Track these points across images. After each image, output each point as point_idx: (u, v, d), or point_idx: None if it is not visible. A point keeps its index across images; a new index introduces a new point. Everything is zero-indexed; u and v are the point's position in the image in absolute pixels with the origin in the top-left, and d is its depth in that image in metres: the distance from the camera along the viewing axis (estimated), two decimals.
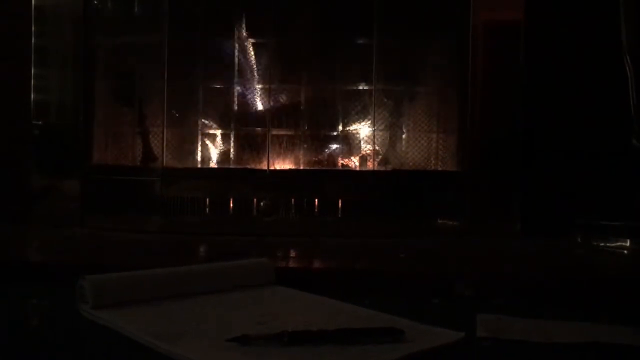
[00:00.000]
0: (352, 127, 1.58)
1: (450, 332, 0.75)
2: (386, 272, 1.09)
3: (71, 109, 1.57)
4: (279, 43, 1.55)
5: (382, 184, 1.52)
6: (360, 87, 1.56)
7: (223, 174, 1.55)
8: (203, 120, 1.59)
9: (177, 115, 1.54)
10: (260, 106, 1.58)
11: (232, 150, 1.58)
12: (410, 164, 1.57)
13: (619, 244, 1.32)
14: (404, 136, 1.60)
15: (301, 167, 1.55)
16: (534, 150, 1.55)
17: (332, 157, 1.58)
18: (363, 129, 1.58)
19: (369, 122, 1.56)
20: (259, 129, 1.56)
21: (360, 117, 1.57)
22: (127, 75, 1.60)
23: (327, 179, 1.51)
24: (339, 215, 1.49)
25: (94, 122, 1.60)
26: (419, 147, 1.58)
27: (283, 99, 1.57)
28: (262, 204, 1.48)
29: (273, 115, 1.55)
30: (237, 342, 0.68)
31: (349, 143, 1.58)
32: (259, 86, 1.57)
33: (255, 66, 1.57)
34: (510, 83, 1.52)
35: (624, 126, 1.41)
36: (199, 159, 1.59)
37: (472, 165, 1.52)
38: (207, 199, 1.49)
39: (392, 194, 1.51)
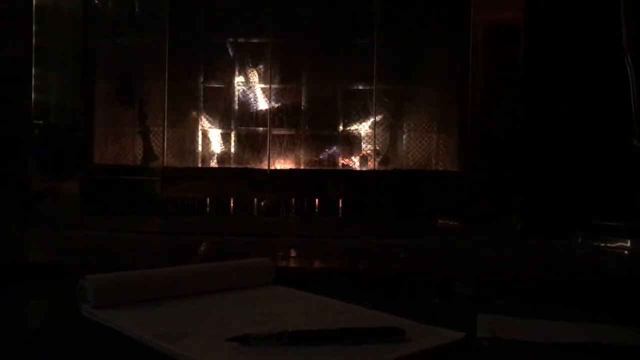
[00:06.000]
0: (353, 127, 1.58)
1: (450, 332, 0.75)
2: (386, 272, 1.09)
3: (71, 109, 1.57)
4: (280, 42, 1.55)
5: (383, 184, 1.52)
6: (361, 87, 1.56)
7: (223, 174, 1.55)
8: (203, 120, 1.59)
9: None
10: (260, 106, 1.58)
11: (232, 150, 1.58)
12: (411, 163, 1.57)
13: (619, 244, 1.32)
14: (404, 136, 1.60)
15: (302, 167, 1.55)
16: (534, 150, 1.55)
17: (333, 157, 1.58)
18: (363, 129, 1.58)
19: (370, 122, 1.56)
20: (260, 128, 1.56)
21: (360, 117, 1.57)
22: (127, 75, 1.60)
23: (327, 179, 1.51)
24: (340, 215, 1.49)
25: (94, 122, 1.59)
26: (420, 147, 1.58)
27: (283, 98, 1.57)
28: (262, 203, 1.48)
29: (273, 115, 1.55)
30: (238, 342, 0.68)
31: (350, 143, 1.58)
32: (259, 86, 1.57)
33: (255, 66, 1.57)
34: (510, 83, 1.52)
35: (624, 126, 1.42)
36: (199, 158, 1.59)
37: (472, 165, 1.52)
38: (208, 199, 1.49)
39: (392, 193, 1.51)
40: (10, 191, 1.58)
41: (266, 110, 1.56)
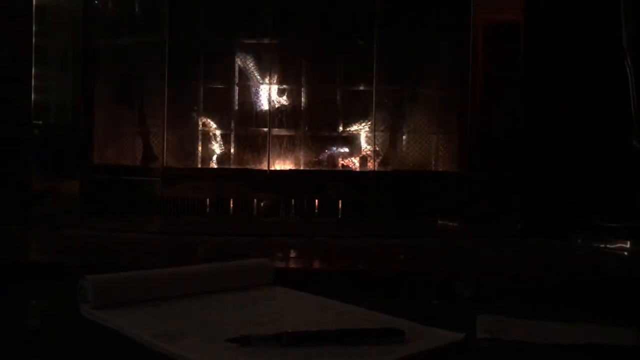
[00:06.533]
0: (353, 128, 1.58)
1: (450, 333, 0.75)
2: (386, 273, 1.09)
3: (71, 109, 1.57)
4: (280, 43, 1.54)
5: (383, 185, 1.52)
6: (361, 88, 1.56)
7: (223, 174, 1.55)
8: (203, 120, 1.59)
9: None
10: (260, 106, 1.58)
11: (232, 150, 1.58)
12: (411, 164, 1.57)
13: (619, 245, 1.32)
14: (404, 137, 1.60)
15: (301, 168, 1.55)
16: (534, 150, 1.55)
17: (333, 157, 1.58)
18: (363, 130, 1.58)
19: (370, 122, 1.56)
20: (260, 129, 1.56)
21: (360, 117, 1.57)
22: (127, 76, 1.60)
23: (327, 180, 1.51)
24: (339, 216, 1.49)
25: (94, 123, 1.59)
26: (419, 148, 1.58)
27: (283, 99, 1.57)
28: (262, 204, 1.48)
29: (273, 116, 1.55)
30: (237, 343, 0.68)
31: (350, 144, 1.58)
32: (259, 86, 1.57)
33: (255, 66, 1.57)
34: (510, 84, 1.52)
35: (624, 127, 1.42)
36: (199, 159, 1.59)
37: (472, 165, 1.52)
38: (208, 199, 1.49)
39: (392, 194, 1.51)
40: (10, 191, 1.58)
41: (266, 110, 1.56)
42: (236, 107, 1.58)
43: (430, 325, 0.77)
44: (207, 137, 1.60)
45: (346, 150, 1.59)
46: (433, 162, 1.58)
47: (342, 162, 1.59)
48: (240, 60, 1.57)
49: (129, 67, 1.59)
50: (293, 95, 1.57)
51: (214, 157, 1.60)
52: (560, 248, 1.37)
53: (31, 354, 0.69)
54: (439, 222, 1.50)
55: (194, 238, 1.39)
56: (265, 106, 1.57)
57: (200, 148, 1.59)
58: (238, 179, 1.51)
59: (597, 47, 1.56)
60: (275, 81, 1.56)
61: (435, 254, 1.32)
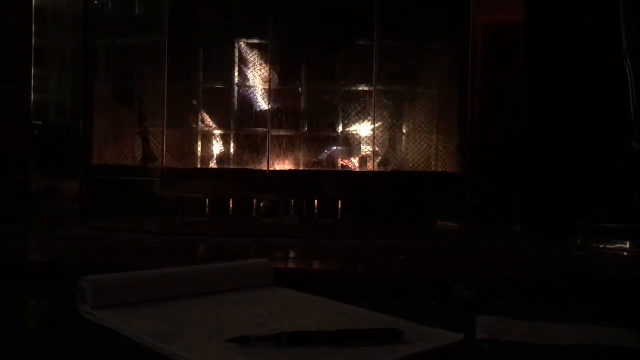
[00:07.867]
0: (352, 128, 1.58)
1: (449, 334, 0.75)
2: (386, 274, 1.09)
3: (71, 109, 1.57)
4: (279, 43, 1.55)
5: (382, 186, 1.52)
6: (361, 88, 1.57)
7: (223, 175, 1.55)
8: (203, 120, 1.59)
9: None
10: (260, 107, 1.58)
11: (232, 151, 1.58)
12: (410, 165, 1.57)
13: (618, 246, 1.32)
14: (404, 137, 1.60)
15: (301, 168, 1.55)
16: (533, 152, 1.55)
17: (332, 158, 1.58)
18: (363, 130, 1.58)
19: (369, 123, 1.57)
20: (259, 129, 1.56)
21: (360, 118, 1.57)
22: (127, 76, 1.60)
23: (327, 180, 1.51)
24: (339, 217, 1.49)
25: (94, 123, 1.60)
26: (419, 149, 1.58)
27: (283, 99, 1.57)
28: (261, 204, 1.48)
29: (273, 116, 1.55)
30: (237, 343, 0.68)
31: (349, 144, 1.58)
32: (259, 87, 1.57)
33: (255, 66, 1.57)
34: (510, 85, 1.52)
35: (623, 128, 1.42)
36: (198, 159, 1.59)
37: (472, 166, 1.52)
38: (207, 200, 1.49)
39: (392, 195, 1.51)
40: (10, 191, 1.58)
41: (266, 111, 1.56)
42: (236, 107, 1.58)
43: (430, 326, 0.77)
44: (207, 138, 1.60)
45: (346, 150, 1.58)
46: (432, 163, 1.59)
47: (342, 162, 1.59)
48: (240, 60, 1.57)
49: (129, 67, 1.59)
50: (293, 96, 1.57)
51: (214, 158, 1.60)
52: (560, 249, 1.37)
53: (31, 354, 0.69)
54: (439, 223, 1.50)
55: (194, 238, 1.39)
56: (265, 106, 1.57)
57: (200, 148, 1.59)
58: (238, 180, 1.51)
59: (596, 49, 1.57)
60: (275, 81, 1.55)
61: (435, 255, 1.32)
